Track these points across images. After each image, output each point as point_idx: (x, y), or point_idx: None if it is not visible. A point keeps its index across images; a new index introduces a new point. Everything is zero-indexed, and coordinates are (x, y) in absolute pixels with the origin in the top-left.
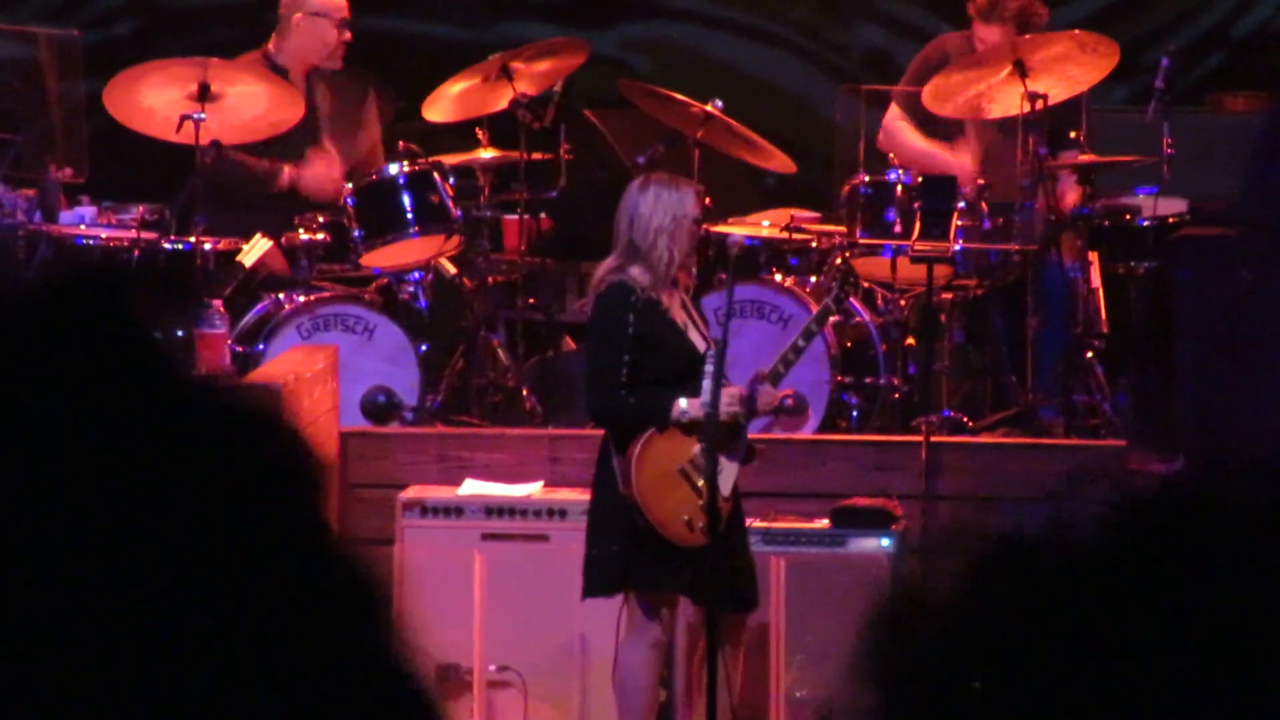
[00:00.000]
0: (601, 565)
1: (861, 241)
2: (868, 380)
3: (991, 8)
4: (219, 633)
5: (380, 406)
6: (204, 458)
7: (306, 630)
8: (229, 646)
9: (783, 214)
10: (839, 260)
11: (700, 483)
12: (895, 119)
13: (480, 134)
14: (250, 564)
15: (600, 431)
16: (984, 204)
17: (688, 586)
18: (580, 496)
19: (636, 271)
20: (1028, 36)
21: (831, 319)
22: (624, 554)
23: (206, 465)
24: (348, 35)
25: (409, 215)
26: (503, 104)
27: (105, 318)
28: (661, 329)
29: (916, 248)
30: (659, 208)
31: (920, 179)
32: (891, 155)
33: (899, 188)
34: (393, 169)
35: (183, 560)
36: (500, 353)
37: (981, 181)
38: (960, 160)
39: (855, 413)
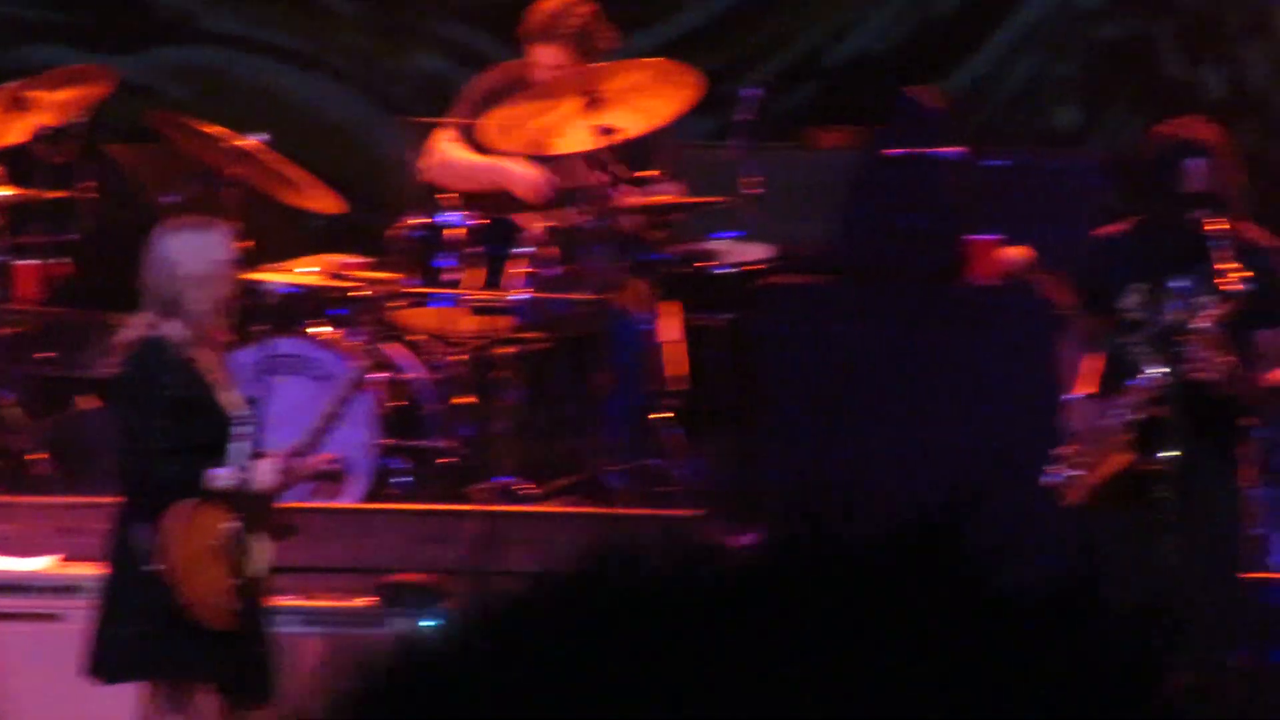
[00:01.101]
0: (118, 648)
1: (411, 290)
2: (417, 443)
3: (547, 26)
4: None
5: None
6: None
7: None
8: None
9: (328, 260)
10: (377, 313)
11: (232, 560)
12: (445, 140)
13: None
14: None
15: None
16: (553, 248)
17: (215, 675)
18: (98, 571)
19: (172, 327)
20: (600, 65)
21: (378, 376)
22: (147, 636)
23: None
24: None
25: None
26: (17, 137)
27: None
28: (199, 390)
29: (473, 297)
30: (189, 255)
31: (481, 221)
32: (443, 190)
33: (454, 230)
34: None
35: None
36: (11, 412)
37: (554, 223)
38: (528, 171)
39: (404, 479)
